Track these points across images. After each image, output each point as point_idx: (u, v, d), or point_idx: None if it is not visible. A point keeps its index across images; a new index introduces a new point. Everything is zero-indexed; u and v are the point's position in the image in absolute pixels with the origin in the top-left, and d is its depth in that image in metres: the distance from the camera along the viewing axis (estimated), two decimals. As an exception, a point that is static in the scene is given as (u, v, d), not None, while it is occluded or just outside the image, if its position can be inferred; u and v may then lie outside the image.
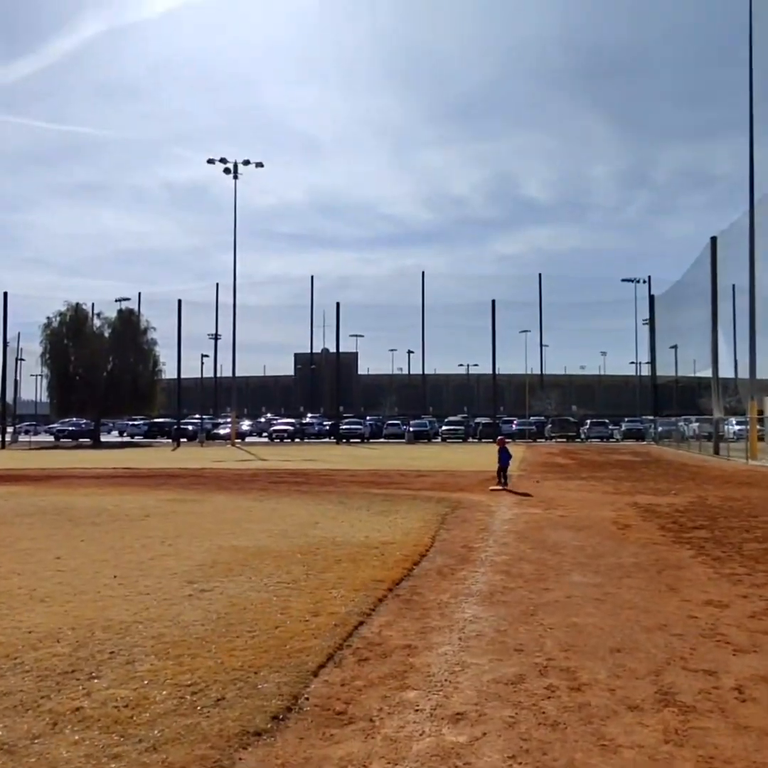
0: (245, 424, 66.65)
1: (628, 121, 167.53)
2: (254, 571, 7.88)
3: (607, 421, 62.65)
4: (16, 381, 68.51)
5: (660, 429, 51.07)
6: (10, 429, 60.44)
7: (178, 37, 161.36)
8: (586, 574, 7.89)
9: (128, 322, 60.77)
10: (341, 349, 64.57)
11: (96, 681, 4.54)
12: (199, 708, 4.06)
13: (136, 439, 64.86)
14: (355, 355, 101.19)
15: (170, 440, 57.88)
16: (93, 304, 62.10)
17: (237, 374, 58.04)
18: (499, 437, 20.56)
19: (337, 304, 61.44)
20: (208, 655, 5.02)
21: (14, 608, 6.35)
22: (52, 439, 64.00)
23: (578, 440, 58.30)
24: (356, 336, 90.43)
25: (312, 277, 71.95)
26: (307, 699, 4.23)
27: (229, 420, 59.40)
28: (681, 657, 5.02)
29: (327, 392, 77.63)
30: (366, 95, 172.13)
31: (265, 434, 64.38)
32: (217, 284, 63.97)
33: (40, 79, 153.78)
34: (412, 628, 5.77)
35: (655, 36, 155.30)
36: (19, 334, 64.12)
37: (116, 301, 66.41)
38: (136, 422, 69.01)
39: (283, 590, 6.99)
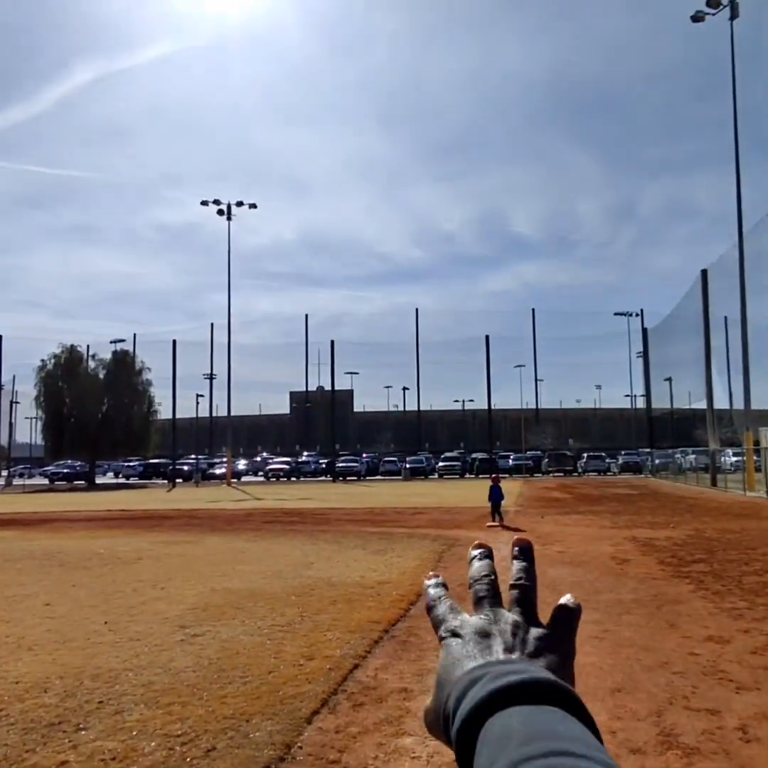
0: (241, 464, 66.29)
1: (613, 156, 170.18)
2: (247, 613, 7.75)
3: (603, 454, 62.50)
4: (10, 424, 68.42)
5: (657, 461, 50.97)
6: (4, 472, 60.09)
7: (168, 82, 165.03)
8: (584, 611, 7.73)
9: (123, 363, 60.84)
10: (336, 387, 64.70)
11: (83, 733, 4.41)
12: (188, 760, 3.95)
13: (132, 480, 64.41)
14: (351, 392, 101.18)
15: (166, 481, 57.47)
16: (88, 346, 62.34)
17: (232, 413, 57.94)
18: (493, 475, 20.50)
19: (332, 342, 61.77)
20: (199, 703, 4.90)
21: (1, 657, 6.21)
22: (46, 481, 63.50)
23: (575, 474, 58.12)
24: (351, 373, 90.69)
25: (306, 315, 72.44)
26: (300, 747, 4.11)
27: (224, 460, 59.09)
28: (683, 696, 4.91)
29: (322, 430, 77.43)
30: (354, 135, 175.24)
31: (261, 473, 64.01)
32: (212, 324, 64.45)
33: (33, 124, 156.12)
34: (408, 670, 5.65)
35: (637, 73, 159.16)
36: (14, 376, 64.28)
37: (111, 342, 66.44)
38: (131, 463, 68.53)
39: (276, 633, 6.86)
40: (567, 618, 0.60)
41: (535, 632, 0.57)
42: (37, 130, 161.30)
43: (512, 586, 0.62)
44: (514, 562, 0.64)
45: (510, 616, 0.59)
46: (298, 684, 5.25)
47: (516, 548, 0.65)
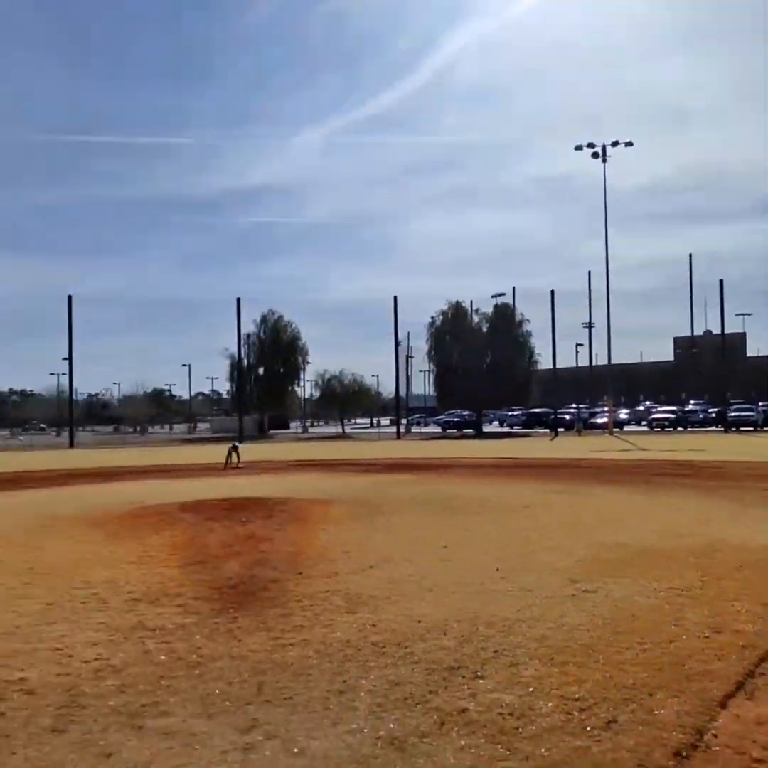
0: (623, 413, 64.64)
1: None
2: (640, 572, 7.30)
3: None
4: (407, 377, 74.90)
5: None
6: (404, 421, 66.26)
7: (533, 35, 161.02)
8: None
9: (503, 317, 62.70)
10: (726, 330, 59.25)
11: (480, 681, 4.44)
12: (588, 729, 3.71)
13: (515, 428, 66.54)
14: (743, 335, 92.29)
15: (548, 430, 58.31)
16: (471, 302, 65.18)
17: (612, 361, 56.47)
18: None
19: (721, 282, 56.45)
20: (595, 666, 4.65)
21: (405, 595, 6.62)
22: (439, 429, 68.69)
23: None
24: (743, 315, 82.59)
25: (690, 255, 66.67)
26: (714, 736, 3.63)
27: (605, 409, 58.05)
28: None
29: (711, 377, 71.73)
30: (736, 59, 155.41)
31: (644, 422, 61.68)
32: (589, 272, 62.69)
33: (413, 98, 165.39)
34: (843, 659, 4.77)
35: None
36: (408, 333, 69.97)
37: (492, 296, 68.67)
38: (515, 413, 70.84)
39: (675, 598, 6.33)
40: None
41: None
42: (417, 103, 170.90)
43: None
44: None
45: None
46: (706, 660, 4.72)
47: None
